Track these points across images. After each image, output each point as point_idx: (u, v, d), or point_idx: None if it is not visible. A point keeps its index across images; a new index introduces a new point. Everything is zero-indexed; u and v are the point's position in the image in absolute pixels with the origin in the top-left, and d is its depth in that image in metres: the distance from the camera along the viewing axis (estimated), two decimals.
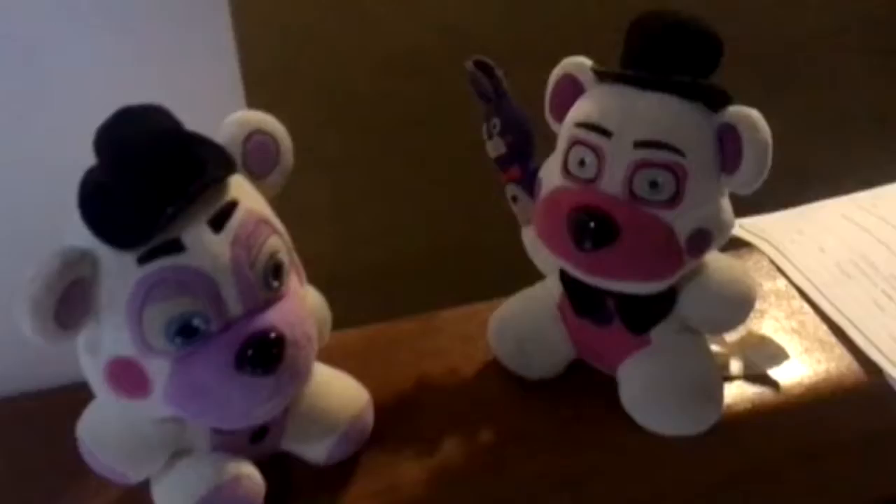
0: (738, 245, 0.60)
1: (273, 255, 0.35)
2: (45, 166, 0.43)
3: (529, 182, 0.46)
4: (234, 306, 0.33)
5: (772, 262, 0.58)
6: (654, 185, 0.39)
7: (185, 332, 0.33)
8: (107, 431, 0.37)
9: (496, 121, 0.47)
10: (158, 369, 0.33)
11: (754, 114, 0.38)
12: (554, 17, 0.73)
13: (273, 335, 0.33)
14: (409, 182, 0.77)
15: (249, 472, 0.39)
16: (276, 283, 0.35)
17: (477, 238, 0.80)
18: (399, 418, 0.46)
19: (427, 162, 0.76)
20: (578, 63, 0.43)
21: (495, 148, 0.47)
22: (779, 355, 0.48)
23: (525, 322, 0.48)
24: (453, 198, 0.79)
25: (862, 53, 0.88)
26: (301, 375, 0.36)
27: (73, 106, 0.43)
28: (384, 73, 0.71)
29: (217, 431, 0.39)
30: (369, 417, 0.43)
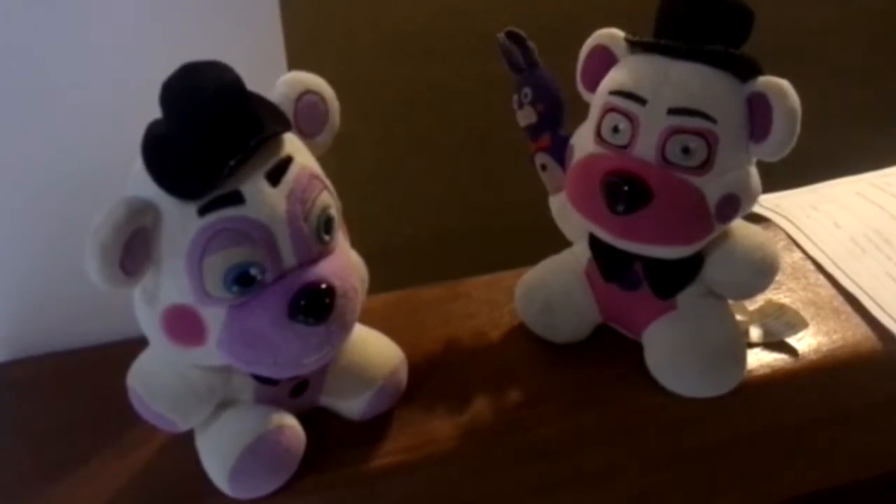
0: (755, 220, 0.61)
1: (325, 210, 0.36)
2: (101, 123, 0.45)
3: (559, 150, 0.48)
4: (289, 257, 0.35)
5: (788, 236, 0.60)
6: (686, 150, 0.40)
7: (242, 280, 0.34)
8: (157, 380, 0.38)
9: (527, 90, 0.48)
10: (214, 317, 0.35)
11: (784, 83, 0.40)
12: (562, 3, 0.74)
13: (324, 286, 0.35)
14: (412, 165, 0.78)
15: (292, 423, 0.40)
16: (326, 237, 0.36)
17: (481, 222, 0.81)
18: (429, 378, 0.48)
19: (431, 145, 0.77)
20: (611, 34, 0.44)
21: (526, 117, 0.48)
22: (797, 324, 0.50)
23: (552, 287, 0.49)
24: (457, 181, 0.80)
25: (873, 45, 0.89)
26: (348, 326, 0.37)
27: (126, 68, 0.44)
28: (390, 56, 0.72)
29: (261, 383, 0.40)
30: (404, 374, 0.45)
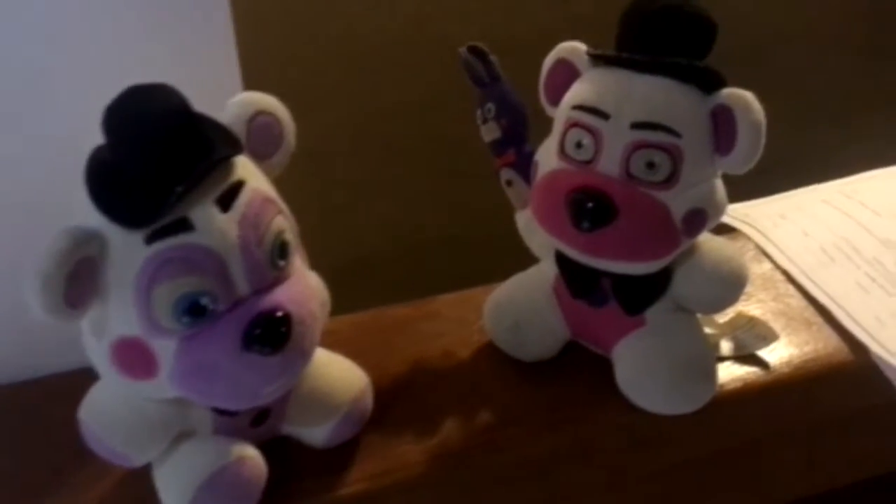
0: (723, 230, 0.60)
1: (279, 235, 0.35)
2: (46, 148, 0.43)
3: (524, 166, 0.47)
4: (242, 285, 0.34)
5: (757, 246, 0.59)
6: (650, 165, 0.40)
7: (193, 311, 0.32)
8: (110, 414, 0.37)
9: (490, 105, 0.47)
10: (165, 349, 0.33)
11: (748, 95, 0.39)
12: (531, 14, 0.74)
13: (280, 313, 0.34)
14: (383, 178, 0.77)
15: (252, 454, 0.39)
16: (282, 263, 0.35)
17: (456, 232, 0.81)
18: (397, 401, 0.47)
19: (404, 156, 0.77)
20: (573, 48, 0.44)
21: (490, 132, 0.48)
22: (768, 336, 0.49)
23: (521, 304, 0.48)
24: (431, 192, 0.79)
25: (837, 52, 0.90)
26: (307, 354, 0.36)
27: (73, 90, 0.43)
28: (359, 69, 0.72)
29: (219, 414, 0.39)
30: (369, 399, 0.44)
